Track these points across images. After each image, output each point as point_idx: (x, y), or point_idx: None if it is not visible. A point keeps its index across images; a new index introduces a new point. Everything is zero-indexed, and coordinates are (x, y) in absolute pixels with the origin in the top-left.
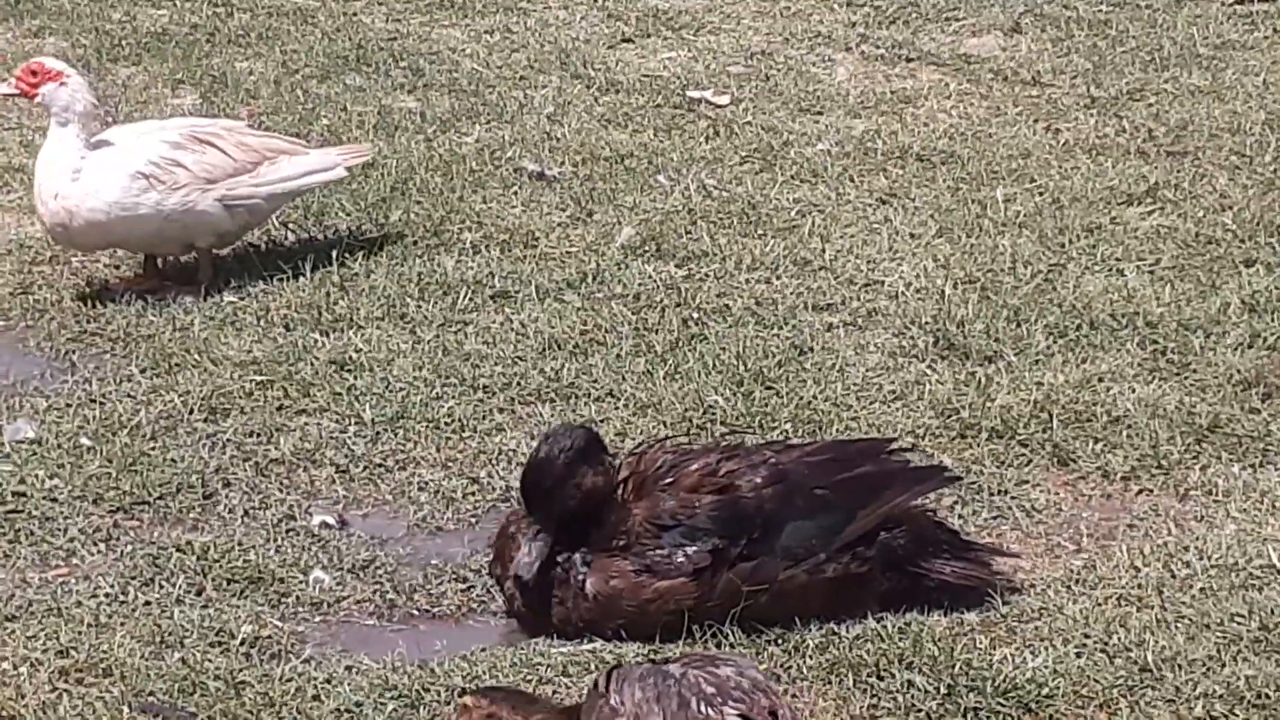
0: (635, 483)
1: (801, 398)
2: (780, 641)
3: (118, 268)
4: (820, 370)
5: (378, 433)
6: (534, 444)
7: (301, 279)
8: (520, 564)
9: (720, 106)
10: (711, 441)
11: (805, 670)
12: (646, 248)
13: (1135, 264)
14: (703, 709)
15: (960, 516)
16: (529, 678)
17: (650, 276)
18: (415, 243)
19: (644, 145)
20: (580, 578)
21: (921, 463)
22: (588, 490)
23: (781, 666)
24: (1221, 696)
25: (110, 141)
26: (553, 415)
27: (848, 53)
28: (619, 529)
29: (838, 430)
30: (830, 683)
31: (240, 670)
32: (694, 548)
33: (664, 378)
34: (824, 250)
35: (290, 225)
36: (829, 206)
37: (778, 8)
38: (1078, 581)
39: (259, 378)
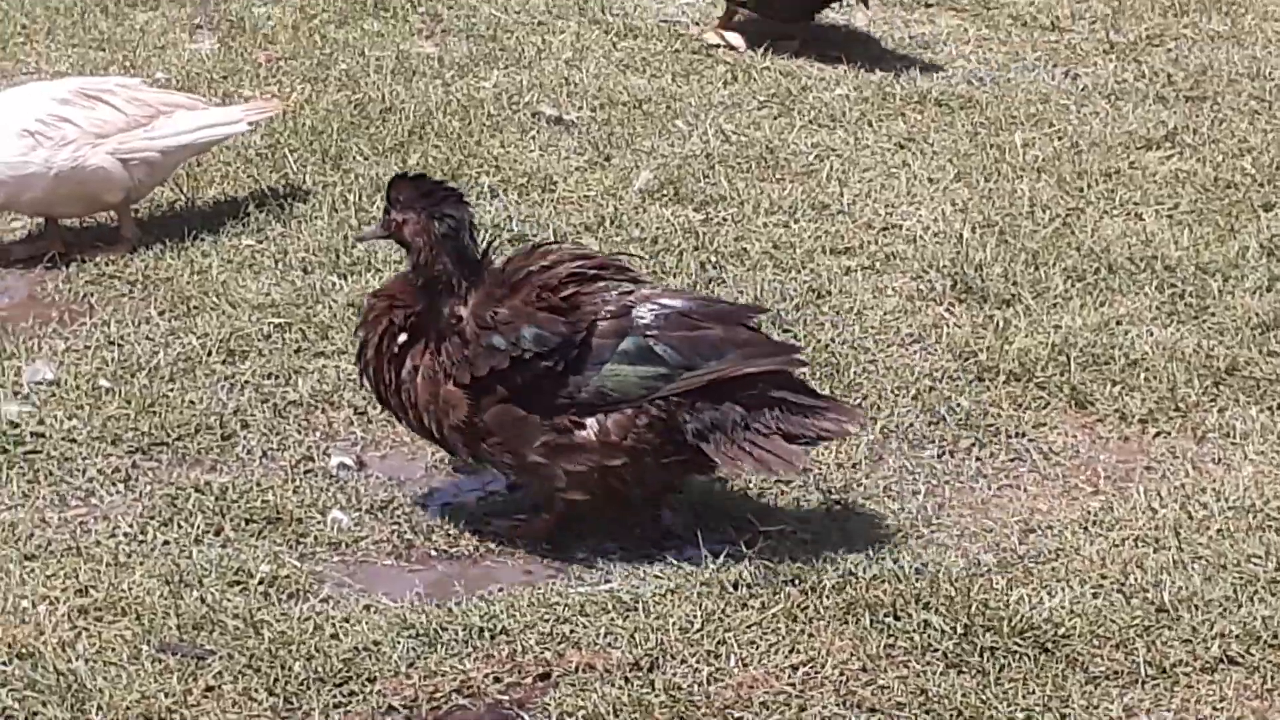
0: (493, 278)
1: (819, 340)
2: (796, 581)
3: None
4: (838, 313)
5: None
6: None
7: (319, 222)
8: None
9: (738, 51)
10: (606, 257)
11: (822, 610)
12: (664, 192)
13: (1154, 208)
14: None
15: (978, 459)
16: (546, 617)
17: (668, 220)
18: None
19: (662, 90)
20: (410, 366)
21: (775, 337)
22: (396, 226)
23: (798, 607)
24: (1238, 636)
25: None
26: None
27: None
28: (452, 323)
29: (856, 372)
30: (847, 623)
31: (258, 609)
32: (487, 359)
33: None
34: (842, 194)
35: (308, 169)
36: (847, 151)
37: None
38: (1095, 523)
39: (277, 320)
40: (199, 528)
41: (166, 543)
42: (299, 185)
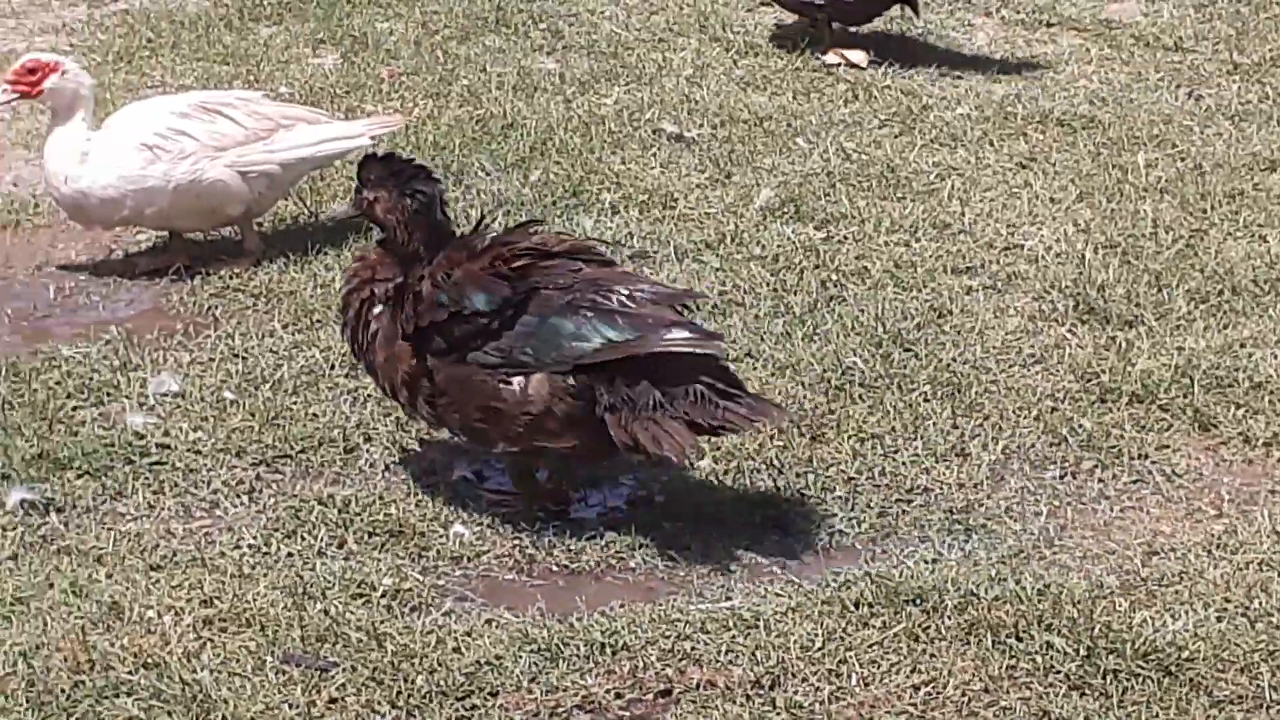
0: (460, 246)
1: (940, 360)
2: (918, 601)
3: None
4: (959, 333)
5: None
6: None
7: None
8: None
9: (860, 69)
10: (581, 242)
11: (944, 631)
12: (785, 209)
13: (1278, 230)
14: None
15: (1100, 480)
16: (668, 634)
17: (789, 238)
18: (554, 203)
19: (783, 108)
20: (374, 329)
21: (701, 324)
22: (368, 204)
23: (920, 626)
24: None
25: (117, 120)
26: None
27: (987, 17)
28: (414, 288)
29: (977, 392)
30: (969, 643)
31: (381, 622)
32: (429, 313)
33: (802, 339)
34: (963, 214)
35: None
36: (968, 170)
37: None
38: (1219, 546)
39: None
40: (322, 540)
41: (290, 555)
42: None
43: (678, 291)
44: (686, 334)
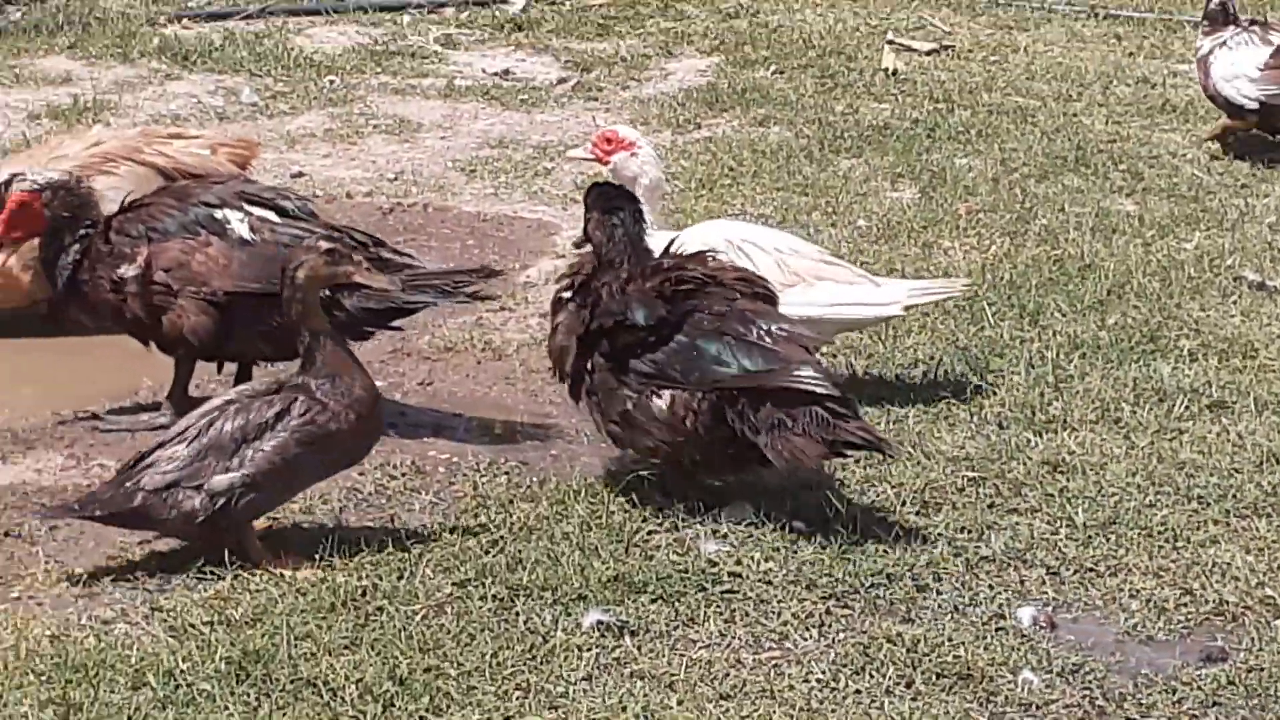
0: (646, 263)
1: None
2: None
3: None
4: None
5: (1089, 536)
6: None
7: (1015, 378)
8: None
9: None
10: (756, 279)
11: None
12: None
13: None
14: None
15: None
16: None
17: None
18: (1131, 347)
19: None
20: (561, 318)
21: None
22: (587, 225)
23: None
24: None
25: (688, 234)
26: (1269, 530)
27: None
28: (596, 289)
29: None
30: None
31: None
32: (599, 318)
33: None
34: None
35: (1005, 323)
36: None
37: None
38: None
39: (971, 474)
40: (890, 679)
41: (858, 691)
42: (996, 339)
43: (808, 335)
44: (812, 372)
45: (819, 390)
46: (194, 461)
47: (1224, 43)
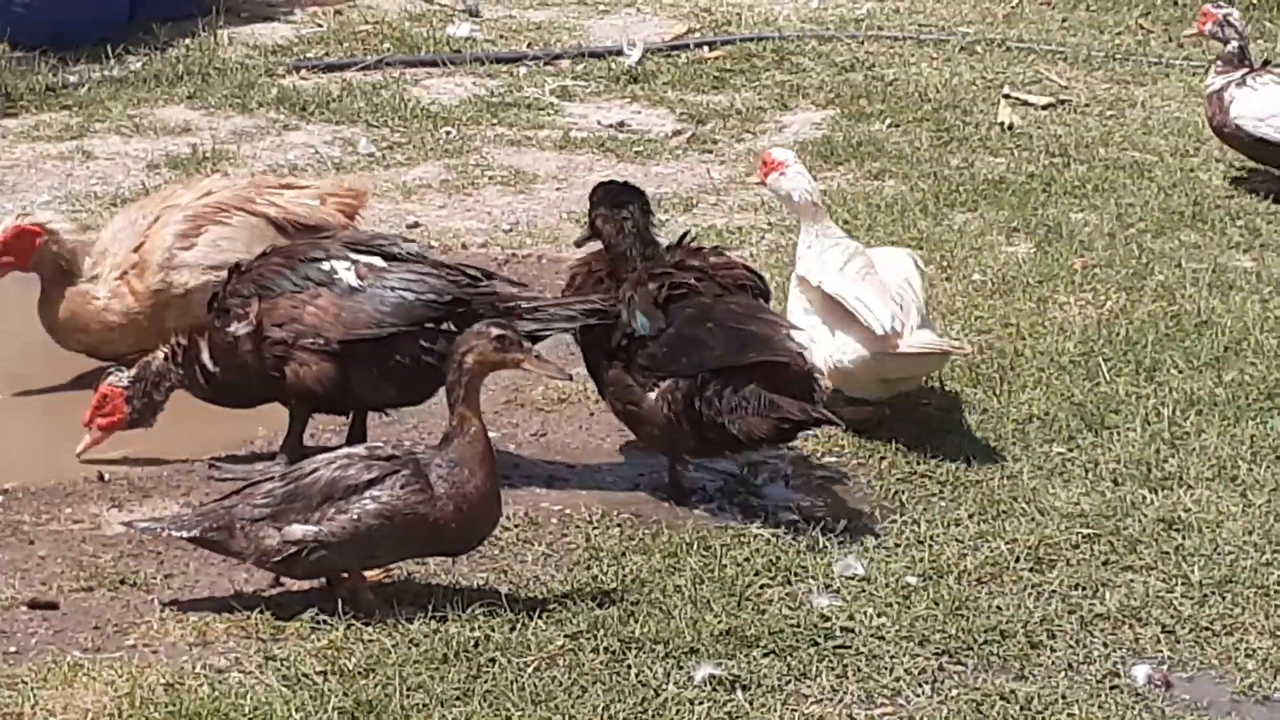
0: (651, 262)
1: None
2: None
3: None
4: None
5: (1205, 594)
6: None
7: (1131, 433)
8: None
9: None
10: (740, 271)
11: None
12: None
13: None
14: None
15: None
16: None
17: None
18: (1248, 404)
19: None
20: None
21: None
22: (592, 219)
23: None
24: None
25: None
26: None
27: None
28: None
29: None
30: None
31: None
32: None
33: None
34: None
35: (1121, 379)
36: None
37: None
38: None
39: (1086, 530)
40: None
41: None
42: (1112, 395)
43: (781, 321)
44: (788, 343)
45: (777, 359)
46: (282, 503)
47: (1243, 82)
